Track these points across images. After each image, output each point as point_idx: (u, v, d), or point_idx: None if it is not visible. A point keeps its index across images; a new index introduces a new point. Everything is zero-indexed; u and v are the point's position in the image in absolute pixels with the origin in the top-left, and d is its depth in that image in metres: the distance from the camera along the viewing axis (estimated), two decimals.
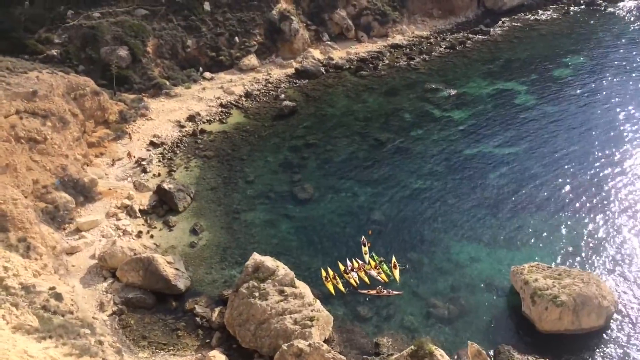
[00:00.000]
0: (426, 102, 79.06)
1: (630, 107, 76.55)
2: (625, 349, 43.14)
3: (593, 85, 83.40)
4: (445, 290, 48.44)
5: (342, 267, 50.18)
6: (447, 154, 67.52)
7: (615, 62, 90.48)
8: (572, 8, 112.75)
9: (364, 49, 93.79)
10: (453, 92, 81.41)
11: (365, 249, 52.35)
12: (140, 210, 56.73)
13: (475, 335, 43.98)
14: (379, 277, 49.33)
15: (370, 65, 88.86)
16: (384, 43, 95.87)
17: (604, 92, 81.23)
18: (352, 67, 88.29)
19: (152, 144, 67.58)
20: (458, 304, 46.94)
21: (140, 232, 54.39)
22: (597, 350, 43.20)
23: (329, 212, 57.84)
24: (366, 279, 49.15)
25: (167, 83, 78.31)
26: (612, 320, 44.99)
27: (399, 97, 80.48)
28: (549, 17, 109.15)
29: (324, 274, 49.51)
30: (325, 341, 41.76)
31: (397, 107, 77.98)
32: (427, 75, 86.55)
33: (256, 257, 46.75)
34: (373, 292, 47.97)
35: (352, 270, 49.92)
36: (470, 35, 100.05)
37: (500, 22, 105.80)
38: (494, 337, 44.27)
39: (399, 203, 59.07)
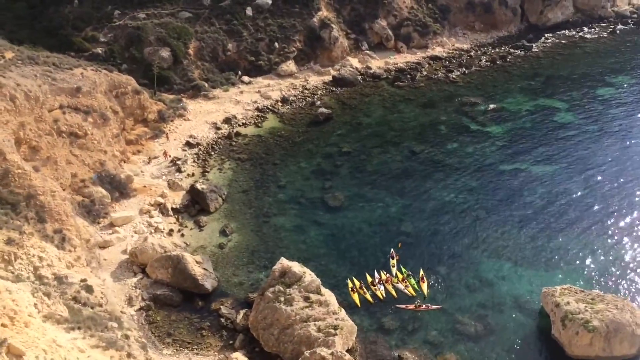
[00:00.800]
0: (463, 116, 78.22)
1: None
2: None
3: (636, 105, 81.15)
4: (473, 307, 47.52)
5: (369, 279, 49.72)
6: (482, 168, 66.54)
7: None
8: (619, 27, 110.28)
9: (402, 59, 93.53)
10: (491, 106, 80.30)
11: (393, 261, 51.72)
12: (172, 209, 57.60)
13: (501, 356, 43.06)
14: (406, 291, 48.74)
15: (408, 76, 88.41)
16: (423, 54, 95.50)
17: None
18: (389, 77, 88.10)
19: (188, 144, 68.64)
20: (485, 322, 45.97)
21: (171, 230, 55.19)
22: None
23: (359, 221, 57.59)
24: (393, 292, 48.62)
25: (206, 85, 79.48)
26: None
27: (435, 109, 79.86)
28: (594, 35, 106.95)
29: (350, 284, 49.19)
30: (348, 351, 41.43)
31: (433, 119, 77.38)
32: (465, 89, 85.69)
33: (284, 262, 46.86)
34: (411, 306, 46.93)
35: (379, 282, 49.47)
36: (512, 50, 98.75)
37: (543, 38, 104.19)
38: (521, 358, 43.18)
39: (430, 216, 58.42)
